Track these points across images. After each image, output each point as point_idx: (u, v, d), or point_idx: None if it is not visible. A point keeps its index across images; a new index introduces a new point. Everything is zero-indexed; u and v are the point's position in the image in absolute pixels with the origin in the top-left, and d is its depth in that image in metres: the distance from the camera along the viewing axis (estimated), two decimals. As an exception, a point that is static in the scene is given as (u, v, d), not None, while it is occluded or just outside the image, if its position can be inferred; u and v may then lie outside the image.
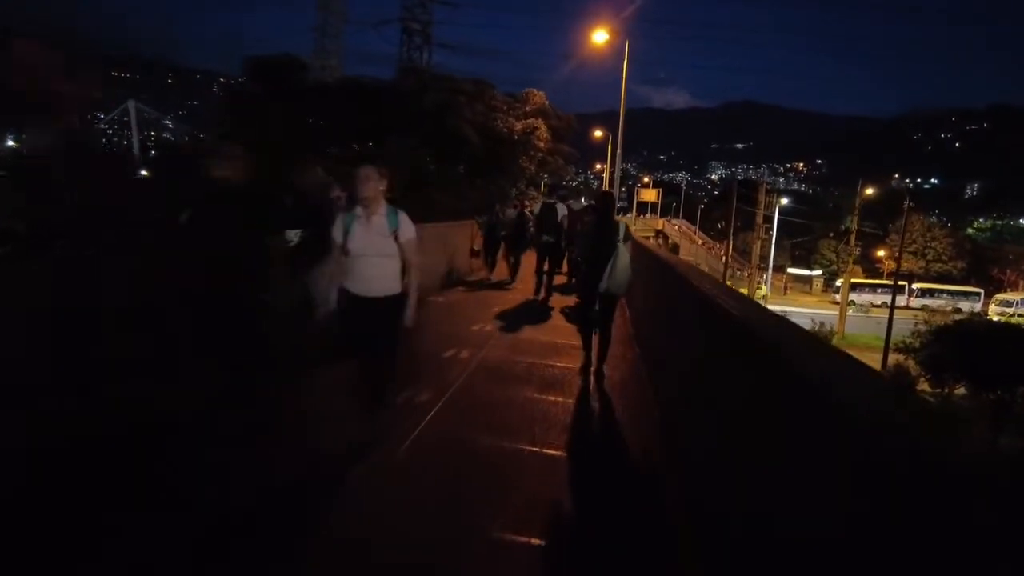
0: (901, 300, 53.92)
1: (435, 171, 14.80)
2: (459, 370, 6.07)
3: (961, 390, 22.02)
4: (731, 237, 35.85)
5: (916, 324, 26.47)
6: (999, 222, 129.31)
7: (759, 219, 36.59)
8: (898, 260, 33.02)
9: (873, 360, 28.37)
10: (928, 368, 22.91)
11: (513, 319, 8.98)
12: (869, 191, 53.48)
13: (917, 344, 25.63)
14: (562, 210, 10.51)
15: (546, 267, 10.50)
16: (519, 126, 24.11)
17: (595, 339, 6.12)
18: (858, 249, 40.25)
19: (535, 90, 27.62)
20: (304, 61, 17.02)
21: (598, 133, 36.05)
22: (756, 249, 36.37)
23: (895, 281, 29.88)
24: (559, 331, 7.94)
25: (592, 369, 6.08)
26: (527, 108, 26.08)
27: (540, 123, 25.15)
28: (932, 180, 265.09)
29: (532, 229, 11.16)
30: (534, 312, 9.66)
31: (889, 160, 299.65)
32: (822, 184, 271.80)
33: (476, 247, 12.19)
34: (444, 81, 19.36)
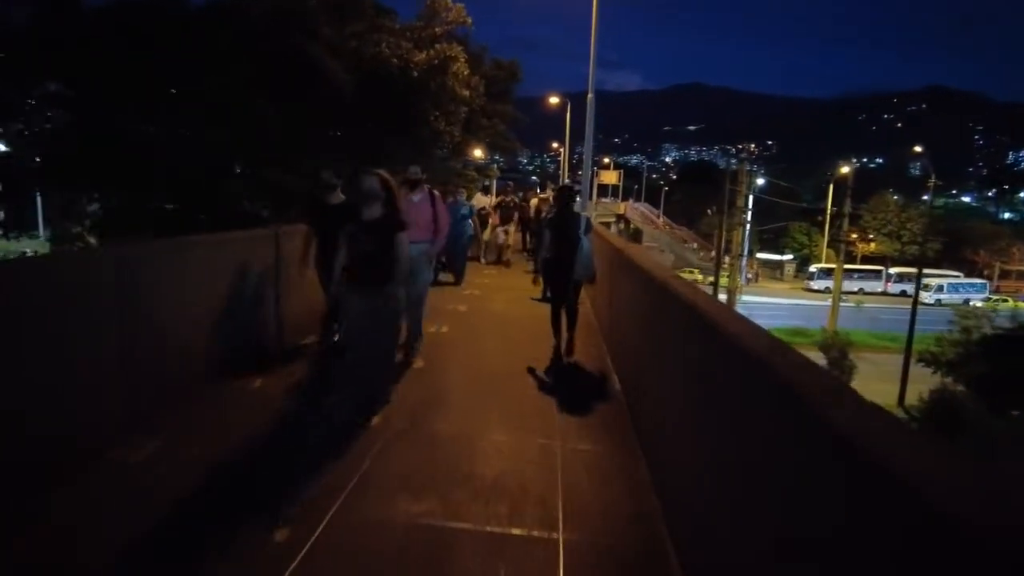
0: (878, 286, 50.40)
1: (276, 127, 8.57)
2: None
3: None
4: (722, 229, 30.67)
5: (950, 330, 21.65)
6: (949, 200, 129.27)
7: (740, 202, 31.59)
8: (923, 244, 28.25)
9: (888, 371, 23.60)
10: (982, 391, 17.97)
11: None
12: (845, 170, 49.40)
13: (951, 355, 20.85)
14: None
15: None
16: (421, 57, 14.17)
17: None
18: (854, 234, 35.82)
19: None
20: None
21: (554, 100, 30.22)
22: (738, 238, 31.44)
23: (919, 272, 25.10)
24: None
25: (564, 339, 6.27)
26: (436, 30, 16.01)
27: (456, 50, 15.03)
28: (877, 160, 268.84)
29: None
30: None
31: (834, 140, 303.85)
32: (771, 164, 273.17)
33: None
34: None
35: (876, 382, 22.60)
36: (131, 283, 3.92)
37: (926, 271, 51.87)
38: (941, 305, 43.97)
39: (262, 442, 3.86)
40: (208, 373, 4.76)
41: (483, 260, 13.64)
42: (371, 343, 4.28)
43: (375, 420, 4.25)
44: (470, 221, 11.13)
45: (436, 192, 5.82)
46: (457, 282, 10.52)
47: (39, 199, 14.08)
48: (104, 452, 3.51)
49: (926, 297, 46.47)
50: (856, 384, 21.54)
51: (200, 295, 4.75)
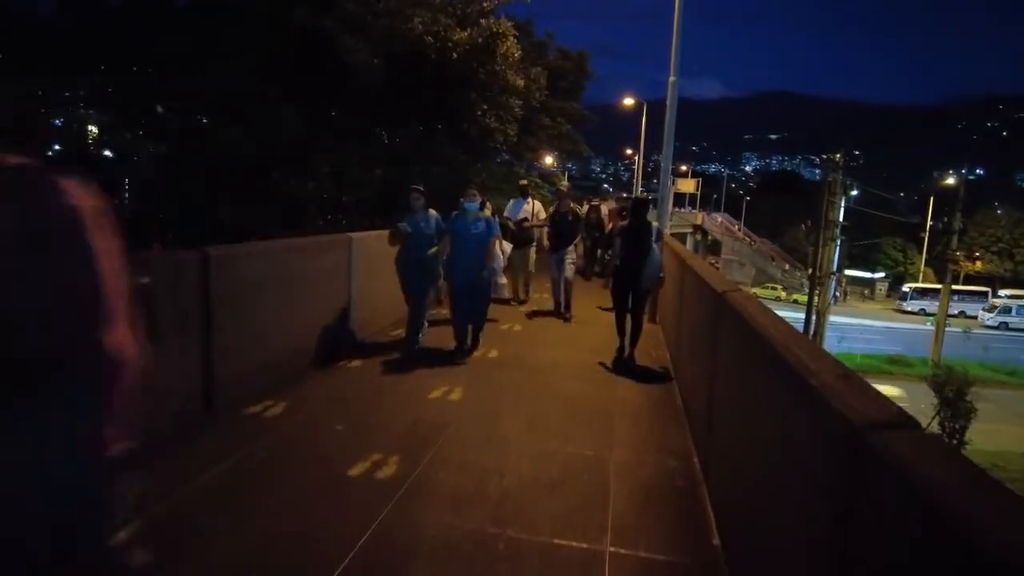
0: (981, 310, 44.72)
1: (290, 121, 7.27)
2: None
3: None
4: (819, 246, 27.77)
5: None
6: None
7: (833, 215, 28.68)
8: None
9: (1013, 412, 20.51)
10: None
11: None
12: (950, 181, 45.05)
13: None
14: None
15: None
16: (462, 35, 12.11)
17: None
18: (959, 251, 32.08)
19: None
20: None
21: (628, 101, 28.29)
22: (829, 254, 28.51)
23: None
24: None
25: (626, 354, 6.31)
26: (484, 4, 13.78)
27: (505, 25, 12.91)
28: (977, 171, 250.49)
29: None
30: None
31: (930, 150, 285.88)
32: (858, 175, 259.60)
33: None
34: None
35: (997, 423, 19.63)
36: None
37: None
38: (1009, 329, 38.99)
39: None
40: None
41: (519, 300, 9.50)
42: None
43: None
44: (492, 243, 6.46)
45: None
46: (469, 349, 6.48)
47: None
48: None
49: (987, 319, 41.12)
50: (975, 426, 18.43)
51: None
